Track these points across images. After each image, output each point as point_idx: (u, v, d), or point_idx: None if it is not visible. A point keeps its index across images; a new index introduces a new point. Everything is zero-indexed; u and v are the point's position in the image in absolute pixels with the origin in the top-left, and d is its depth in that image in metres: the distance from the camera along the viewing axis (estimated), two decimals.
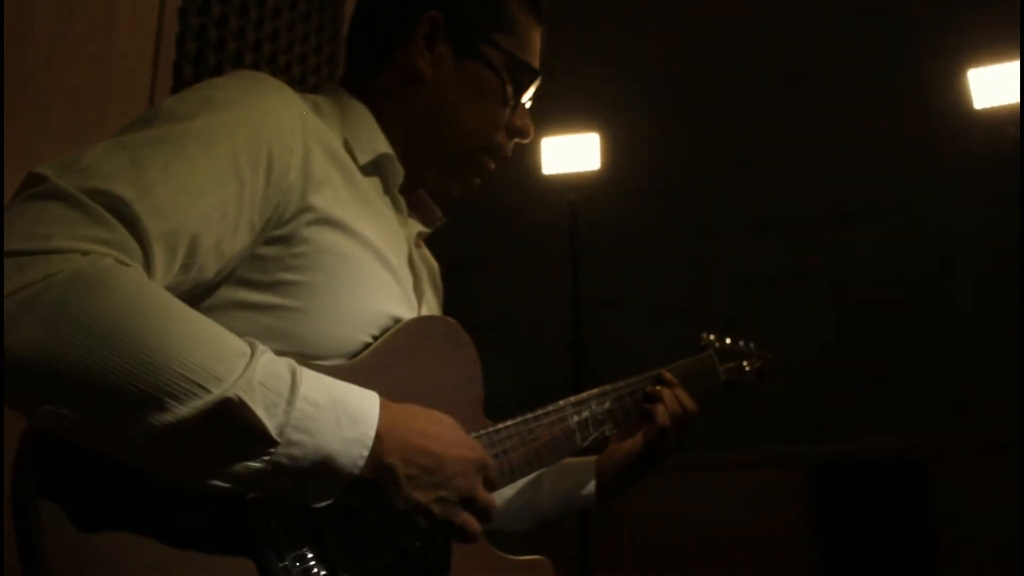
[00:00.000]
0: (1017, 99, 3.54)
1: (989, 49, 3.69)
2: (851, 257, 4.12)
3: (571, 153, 4.17)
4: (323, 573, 0.89)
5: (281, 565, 0.86)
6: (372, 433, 0.85)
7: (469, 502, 0.96)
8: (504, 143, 1.27)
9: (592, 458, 1.50)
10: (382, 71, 1.21)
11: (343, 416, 0.84)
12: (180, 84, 2.56)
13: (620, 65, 4.72)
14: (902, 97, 4.15)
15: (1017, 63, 3.57)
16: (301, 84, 3.13)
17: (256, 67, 2.87)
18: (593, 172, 4.16)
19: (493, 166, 1.28)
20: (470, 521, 0.96)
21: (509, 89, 1.22)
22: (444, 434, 0.95)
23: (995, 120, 3.61)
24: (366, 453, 0.85)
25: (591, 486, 1.48)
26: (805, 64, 4.41)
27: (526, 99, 1.27)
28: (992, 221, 3.79)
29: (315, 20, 3.32)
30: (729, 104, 4.50)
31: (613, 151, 4.29)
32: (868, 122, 4.21)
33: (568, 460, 1.46)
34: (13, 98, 1.98)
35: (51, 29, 2.15)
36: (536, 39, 1.27)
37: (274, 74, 1.09)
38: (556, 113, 3.86)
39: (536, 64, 1.26)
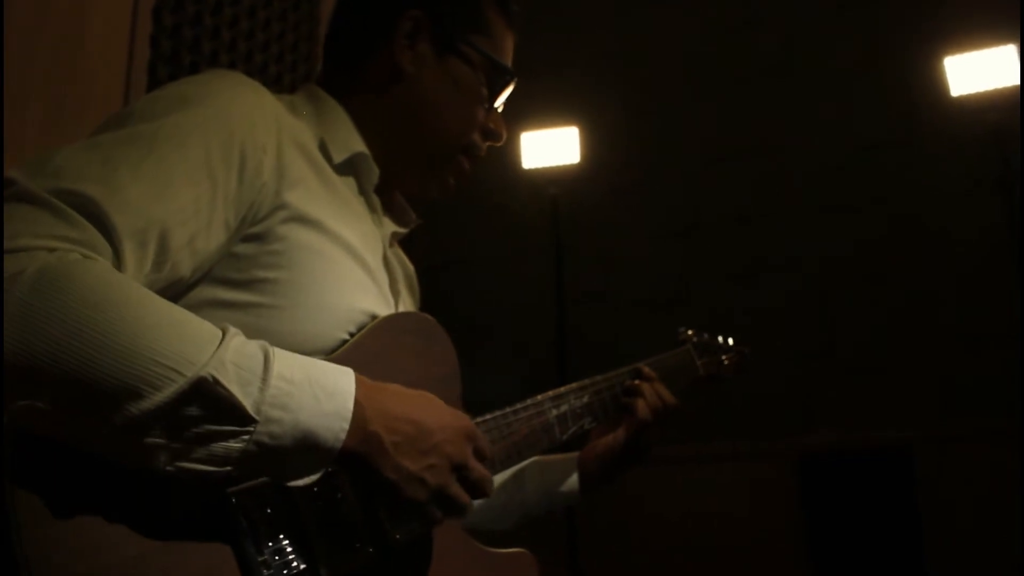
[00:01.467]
0: (993, 86, 3.56)
1: (965, 36, 3.70)
2: (836, 248, 4.13)
3: (551, 147, 4.17)
4: (302, 566, 0.88)
5: (260, 559, 0.86)
6: (350, 406, 0.85)
7: (461, 470, 0.96)
8: (480, 143, 1.28)
9: (574, 453, 1.51)
10: (361, 70, 1.22)
11: (319, 391, 0.83)
12: (155, 84, 2.54)
13: (597, 58, 4.72)
14: (882, 87, 4.17)
15: (990, 50, 3.59)
16: (277, 82, 3.11)
17: (232, 66, 2.85)
18: (573, 166, 4.16)
19: (468, 166, 1.29)
20: (461, 493, 0.96)
21: (485, 90, 1.24)
22: (425, 404, 0.96)
23: (972, 107, 3.62)
24: (346, 426, 0.85)
25: (574, 481, 1.48)
26: (786, 56, 4.42)
27: (499, 102, 1.28)
28: (976, 208, 3.81)
29: (291, 18, 3.30)
30: (709, 96, 4.51)
31: (593, 144, 4.29)
32: (850, 113, 4.23)
33: (551, 456, 1.48)
34: None
35: (23, 31, 2.13)
36: (510, 45, 1.29)
37: (250, 73, 1.09)
38: (535, 107, 3.85)
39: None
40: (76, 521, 0.77)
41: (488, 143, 1.30)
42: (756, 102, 4.41)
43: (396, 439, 0.90)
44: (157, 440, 0.75)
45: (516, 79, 1.27)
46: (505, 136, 1.30)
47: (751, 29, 4.52)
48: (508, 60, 1.28)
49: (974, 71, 3.63)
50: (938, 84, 3.76)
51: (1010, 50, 3.54)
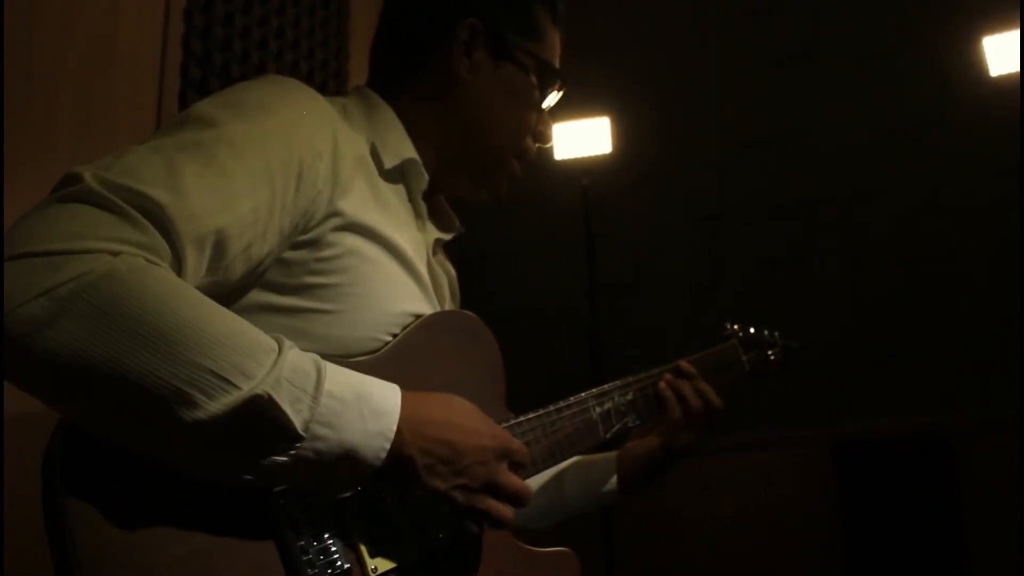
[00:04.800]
0: None
1: (1003, 15, 3.63)
2: (869, 234, 4.08)
3: (582, 137, 4.15)
4: (347, 565, 0.89)
5: (305, 558, 0.87)
6: (394, 427, 0.87)
7: (493, 488, 0.97)
8: (531, 147, 1.29)
9: (613, 453, 1.49)
10: (416, 76, 1.22)
11: (367, 410, 0.85)
12: (187, 85, 2.55)
13: (628, 47, 4.68)
14: (917, 69, 4.10)
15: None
16: (309, 80, 3.12)
17: (263, 64, 2.86)
18: (605, 156, 4.14)
19: (519, 170, 1.30)
20: (496, 507, 0.97)
21: (538, 94, 1.25)
22: (464, 423, 0.96)
23: (1011, 87, 3.55)
24: (388, 446, 0.86)
25: (613, 482, 1.47)
26: (817, 40, 4.36)
27: (548, 104, 1.29)
28: (1011, 192, 3.74)
29: (320, 14, 3.31)
30: (741, 83, 4.46)
31: (624, 134, 4.26)
32: (883, 96, 4.16)
33: (591, 456, 1.47)
34: (20, 102, 1.98)
35: (55, 33, 2.15)
36: (558, 44, 1.30)
37: (280, 70, 1.10)
38: (566, 97, 3.83)
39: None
40: (126, 522, 0.79)
41: (537, 145, 1.31)
42: (788, 87, 4.35)
43: (429, 461, 0.91)
44: (204, 448, 0.77)
45: (566, 82, 1.27)
46: (551, 140, 1.32)
47: (782, 14, 4.46)
48: (557, 60, 1.29)
49: (1013, 51, 3.55)
50: (976, 64, 3.68)
51: None
